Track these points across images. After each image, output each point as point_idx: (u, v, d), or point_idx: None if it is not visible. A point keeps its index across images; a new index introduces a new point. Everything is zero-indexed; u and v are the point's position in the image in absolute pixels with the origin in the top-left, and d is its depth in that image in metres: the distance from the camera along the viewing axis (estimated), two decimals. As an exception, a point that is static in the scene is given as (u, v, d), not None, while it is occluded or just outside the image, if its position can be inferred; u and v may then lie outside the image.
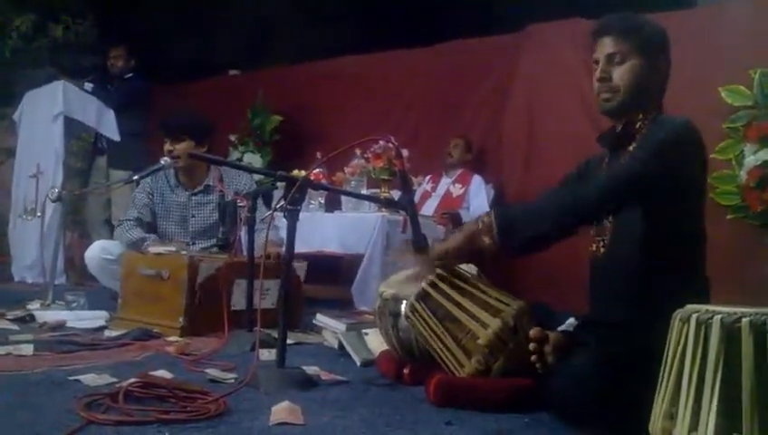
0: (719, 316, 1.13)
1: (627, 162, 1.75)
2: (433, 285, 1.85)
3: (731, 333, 1.12)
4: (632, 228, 1.78)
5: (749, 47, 4.08)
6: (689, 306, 1.21)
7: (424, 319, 1.85)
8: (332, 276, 4.59)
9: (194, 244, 3.37)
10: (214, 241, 3.34)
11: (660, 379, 1.24)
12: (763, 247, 3.90)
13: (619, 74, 1.83)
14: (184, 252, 2.98)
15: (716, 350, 1.12)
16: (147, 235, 3.33)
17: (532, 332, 1.71)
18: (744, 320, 1.11)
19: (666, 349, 1.24)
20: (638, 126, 1.85)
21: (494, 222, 1.69)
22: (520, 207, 1.81)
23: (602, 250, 1.87)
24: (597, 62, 1.88)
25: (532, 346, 1.69)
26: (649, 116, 1.85)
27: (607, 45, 1.85)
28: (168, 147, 3.32)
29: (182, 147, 3.29)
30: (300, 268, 3.35)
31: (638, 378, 1.38)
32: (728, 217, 4.04)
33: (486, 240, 1.70)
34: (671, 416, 1.19)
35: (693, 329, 1.16)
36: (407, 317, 1.93)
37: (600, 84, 1.86)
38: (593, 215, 1.80)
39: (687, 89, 3.90)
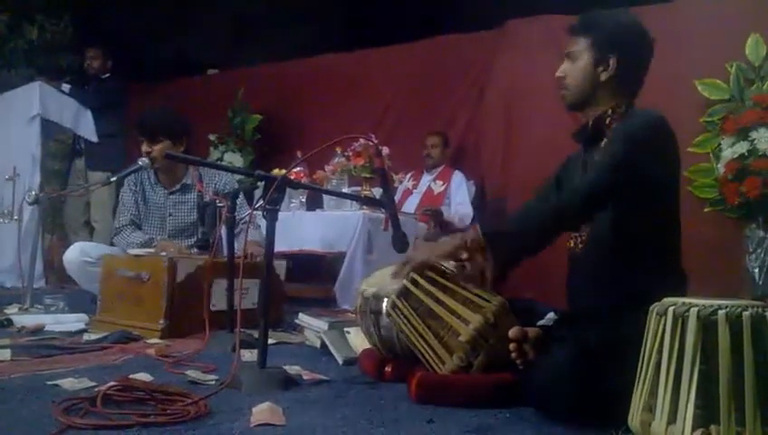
0: (695, 309, 1.14)
1: (602, 162, 1.76)
2: (414, 282, 1.85)
3: (707, 326, 1.13)
4: (608, 224, 1.79)
5: (724, 41, 4.11)
6: (666, 300, 1.22)
7: (405, 316, 1.85)
8: (314, 275, 4.58)
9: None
10: (192, 241, 3.32)
11: (638, 372, 1.25)
12: (741, 240, 3.95)
13: (569, 72, 1.91)
14: (163, 254, 2.95)
15: (693, 342, 1.13)
16: (152, 236, 3.31)
17: (512, 332, 1.70)
18: (720, 312, 1.12)
19: (643, 342, 1.24)
20: (607, 121, 1.88)
21: (485, 243, 1.69)
22: (507, 224, 1.84)
23: (580, 246, 1.89)
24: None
25: (512, 346, 1.70)
26: (618, 110, 1.87)
27: (570, 43, 1.92)
28: (145, 148, 3.28)
29: (159, 148, 3.26)
30: (279, 267, 3.34)
31: (617, 372, 1.39)
32: (706, 209, 4.08)
33: (479, 259, 1.70)
34: (650, 409, 1.20)
35: (670, 322, 1.17)
36: (388, 314, 1.93)
37: (558, 81, 1.94)
38: (579, 221, 1.83)
39: (664, 83, 3.95)
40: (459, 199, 4.88)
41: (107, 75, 5.65)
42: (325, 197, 4.41)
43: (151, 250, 3.04)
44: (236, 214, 2.73)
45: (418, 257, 1.84)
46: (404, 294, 1.86)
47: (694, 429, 1.10)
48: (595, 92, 1.89)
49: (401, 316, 1.86)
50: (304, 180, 4.24)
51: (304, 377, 2.04)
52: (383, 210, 3.57)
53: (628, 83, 1.90)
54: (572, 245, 1.92)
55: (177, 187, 3.39)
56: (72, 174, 5.80)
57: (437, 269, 1.87)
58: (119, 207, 3.53)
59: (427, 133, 5.15)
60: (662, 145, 1.78)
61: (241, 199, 3.31)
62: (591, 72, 1.87)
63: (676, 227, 1.85)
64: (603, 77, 1.87)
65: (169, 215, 3.39)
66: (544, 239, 1.74)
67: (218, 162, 5.68)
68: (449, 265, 1.95)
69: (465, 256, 1.72)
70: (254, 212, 2.56)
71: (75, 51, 6.27)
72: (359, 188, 4.28)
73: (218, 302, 2.84)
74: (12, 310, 3.24)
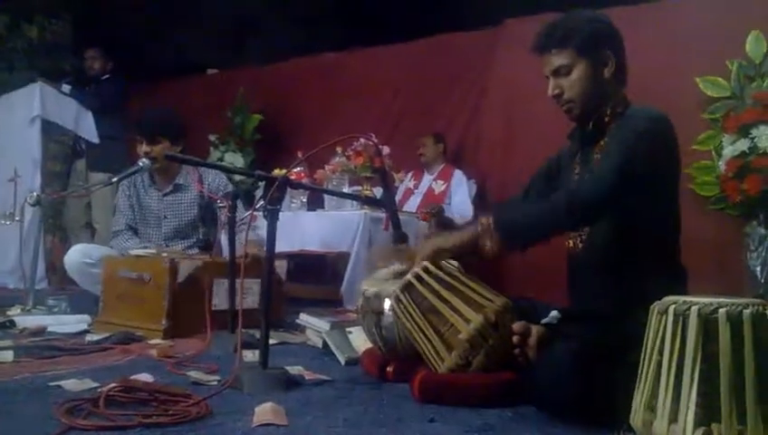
0: (696, 307, 1.14)
1: (610, 164, 1.73)
2: (418, 277, 1.85)
3: (708, 324, 1.13)
4: (609, 224, 1.79)
5: (725, 38, 4.10)
6: (667, 298, 1.22)
7: (408, 311, 1.85)
8: (316, 275, 4.58)
9: (167, 245, 3.32)
10: (189, 242, 3.32)
11: (640, 371, 1.25)
12: (742, 237, 3.94)
13: (568, 86, 1.85)
14: (165, 254, 2.95)
15: (694, 341, 1.13)
16: (146, 245, 3.31)
17: (516, 325, 1.72)
18: (720, 311, 1.12)
19: (644, 341, 1.24)
20: (606, 120, 1.86)
21: (494, 231, 1.72)
22: (517, 214, 1.81)
23: (580, 245, 1.88)
24: (548, 78, 1.90)
25: (515, 339, 1.71)
26: (618, 109, 1.86)
27: (551, 60, 1.87)
28: (144, 148, 3.27)
29: (159, 148, 3.25)
30: (280, 267, 3.33)
31: (619, 370, 1.39)
32: (707, 207, 4.07)
33: (487, 244, 1.73)
34: (652, 408, 1.20)
35: (671, 321, 1.17)
36: (391, 309, 1.93)
37: (556, 100, 1.89)
38: (589, 221, 1.82)
39: (665, 80, 3.95)
40: (459, 198, 4.87)
41: (107, 76, 5.65)
42: (326, 197, 4.41)
43: (153, 250, 3.04)
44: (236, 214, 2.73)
45: (435, 243, 1.85)
46: (408, 288, 1.86)
47: (695, 427, 1.10)
48: (602, 94, 1.85)
49: (404, 311, 1.86)
50: (305, 180, 4.24)
51: (306, 377, 2.04)
52: (384, 210, 3.57)
53: (622, 75, 1.89)
54: (572, 244, 1.92)
55: (170, 188, 3.37)
56: (72, 175, 5.80)
57: (443, 266, 1.87)
58: (116, 210, 3.53)
59: (418, 136, 5.15)
60: (666, 146, 1.78)
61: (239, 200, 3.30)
62: (594, 76, 1.84)
63: (677, 224, 1.85)
64: (607, 74, 1.85)
65: (164, 217, 3.38)
66: (552, 236, 1.78)
67: (219, 162, 5.68)
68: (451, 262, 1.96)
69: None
70: (255, 213, 2.56)
71: (75, 52, 6.27)
72: (359, 188, 4.28)
73: (219, 301, 2.84)
74: (14, 311, 3.24)
